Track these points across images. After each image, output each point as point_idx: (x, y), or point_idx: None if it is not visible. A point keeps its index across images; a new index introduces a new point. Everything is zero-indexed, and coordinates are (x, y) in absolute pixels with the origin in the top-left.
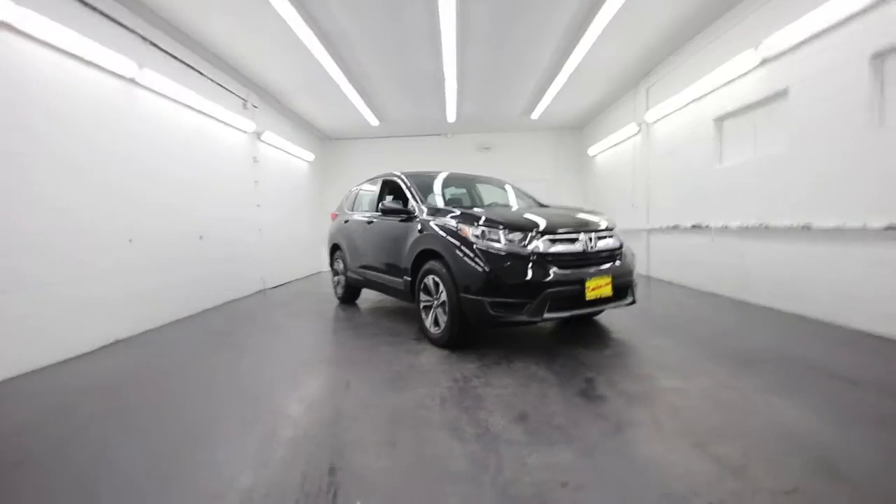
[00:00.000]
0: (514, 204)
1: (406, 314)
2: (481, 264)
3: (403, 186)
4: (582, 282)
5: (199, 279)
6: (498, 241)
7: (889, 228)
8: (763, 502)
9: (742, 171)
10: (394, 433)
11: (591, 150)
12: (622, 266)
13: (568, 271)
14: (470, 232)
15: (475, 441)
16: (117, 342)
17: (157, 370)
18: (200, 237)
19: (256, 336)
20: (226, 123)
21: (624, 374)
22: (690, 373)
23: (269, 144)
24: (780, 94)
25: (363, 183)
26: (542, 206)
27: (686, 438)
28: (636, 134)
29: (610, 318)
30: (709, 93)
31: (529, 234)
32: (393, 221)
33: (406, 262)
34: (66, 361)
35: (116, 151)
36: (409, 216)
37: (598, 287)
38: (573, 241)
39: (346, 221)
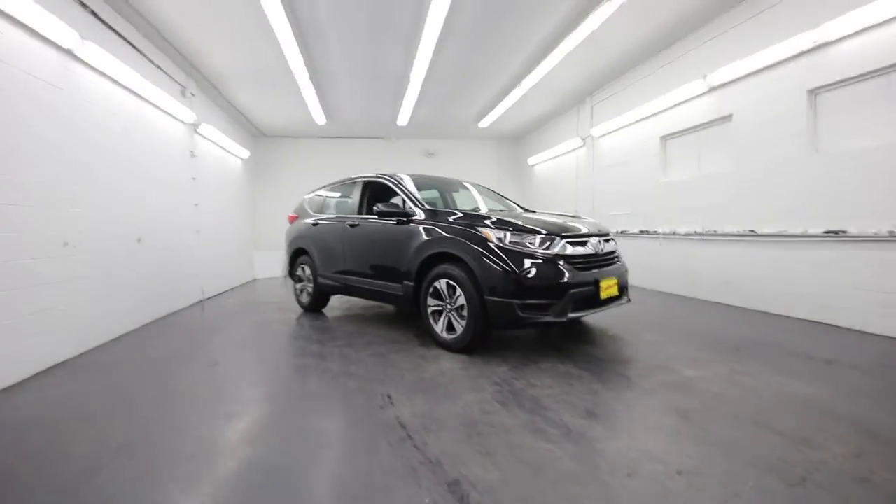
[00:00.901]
0: (503, 208)
1: (388, 319)
2: (511, 267)
3: (397, 188)
4: (597, 282)
5: (137, 288)
6: (524, 244)
7: (827, 233)
8: (843, 465)
9: (687, 185)
10: (481, 443)
11: (531, 160)
12: (621, 267)
13: (585, 273)
14: (494, 235)
15: (566, 440)
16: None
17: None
18: (139, 240)
19: (236, 354)
20: (165, 112)
21: (648, 368)
22: (700, 363)
23: (206, 138)
24: (726, 119)
25: (332, 184)
26: (527, 210)
27: (744, 419)
28: (581, 147)
29: (589, 318)
30: (656, 113)
31: (553, 238)
32: (387, 224)
33: (409, 266)
34: None
35: (52, 139)
36: (407, 219)
37: (609, 287)
38: (585, 244)
39: (314, 224)
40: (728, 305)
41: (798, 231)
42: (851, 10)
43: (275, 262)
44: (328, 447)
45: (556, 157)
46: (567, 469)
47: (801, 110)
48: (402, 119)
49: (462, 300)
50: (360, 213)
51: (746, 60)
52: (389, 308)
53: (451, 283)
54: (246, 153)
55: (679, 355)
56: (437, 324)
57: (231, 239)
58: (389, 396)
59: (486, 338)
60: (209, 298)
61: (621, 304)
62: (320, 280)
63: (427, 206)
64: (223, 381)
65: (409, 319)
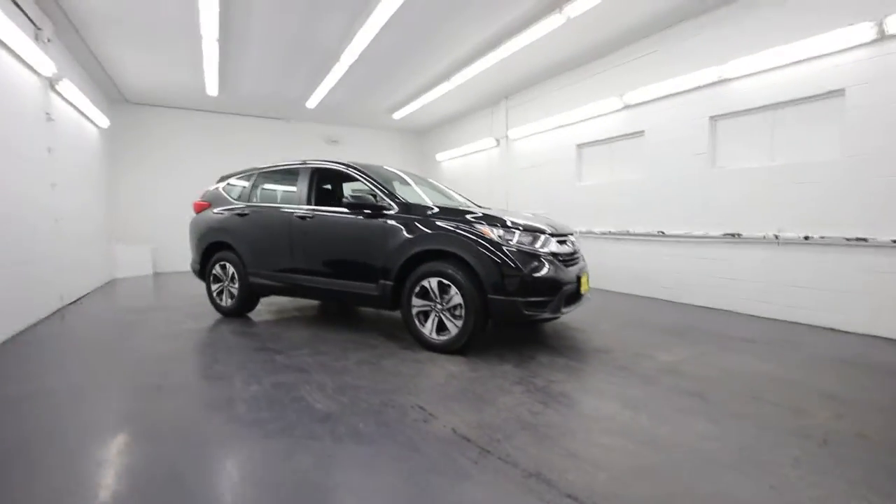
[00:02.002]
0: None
1: (335, 320)
2: (517, 265)
3: (364, 179)
4: (579, 279)
5: None
6: (525, 242)
7: (725, 235)
8: (838, 426)
9: (601, 189)
10: (561, 445)
11: (440, 156)
12: (585, 264)
13: (569, 270)
14: (494, 233)
15: (631, 434)
16: None
17: None
18: None
19: (184, 380)
20: (15, 55)
21: (631, 356)
22: (666, 348)
23: (65, 99)
24: (639, 134)
25: (265, 169)
26: (480, 207)
27: (741, 395)
28: (495, 147)
29: None
30: (574, 123)
31: (544, 236)
32: (353, 218)
33: (387, 263)
34: None
35: None
36: (380, 213)
37: (585, 282)
38: (565, 242)
39: (240, 214)
40: (640, 296)
41: (700, 233)
42: (745, 56)
43: (142, 258)
44: (416, 481)
45: (467, 154)
46: (659, 462)
47: (704, 133)
48: (313, 101)
49: (457, 299)
50: (309, 203)
51: (660, 85)
52: (329, 307)
53: (444, 281)
54: (105, 121)
55: (642, 342)
56: (423, 325)
57: (93, 229)
58: (423, 408)
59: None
60: (71, 304)
61: (588, 299)
62: (253, 280)
63: (402, 200)
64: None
65: (357, 318)
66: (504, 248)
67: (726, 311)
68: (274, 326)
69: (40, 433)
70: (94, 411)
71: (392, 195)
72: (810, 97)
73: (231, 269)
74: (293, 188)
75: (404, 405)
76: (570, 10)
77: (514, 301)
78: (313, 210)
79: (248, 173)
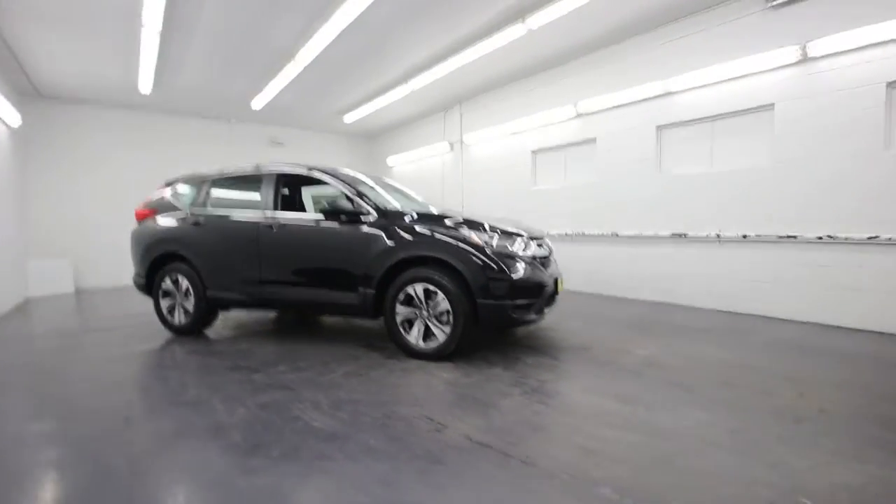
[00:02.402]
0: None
1: (302, 332)
2: (503, 268)
3: (338, 184)
4: (556, 280)
5: None
6: (508, 246)
7: (673, 235)
8: (800, 404)
9: (555, 194)
10: (584, 446)
11: (391, 161)
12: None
13: (547, 271)
14: (481, 238)
15: (635, 426)
16: None
17: None
18: None
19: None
20: None
21: (610, 351)
22: (637, 342)
23: None
24: (591, 141)
25: (221, 173)
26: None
27: (714, 381)
28: (449, 152)
29: None
30: (529, 129)
31: (524, 239)
32: (329, 225)
33: (367, 271)
34: None
35: None
36: (357, 219)
37: (560, 284)
38: (542, 245)
39: (195, 223)
40: (595, 294)
41: (650, 233)
42: (688, 72)
43: (61, 274)
44: (450, 493)
45: (421, 159)
46: (671, 450)
47: (651, 141)
48: (260, 102)
49: (444, 305)
50: (275, 210)
51: (612, 96)
52: (288, 320)
53: (430, 287)
54: (16, 119)
55: (614, 337)
56: (409, 333)
57: (1, 242)
58: (430, 418)
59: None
60: None
61: (558, 300)
62: (211, 294)
63: (380, 205)
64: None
65: (326, 329)
66: (489, 251)
67: (676, 304)
68: (239, 343)
69: None
70: (59, 458)
71: (369, 200)
72: (745, 110)
73: (185, 283)
74: (256, 194)
75: (409, 416)
76: (533, 22)
77: (503, 304)
78: (282, 217)
79: (200, 178)
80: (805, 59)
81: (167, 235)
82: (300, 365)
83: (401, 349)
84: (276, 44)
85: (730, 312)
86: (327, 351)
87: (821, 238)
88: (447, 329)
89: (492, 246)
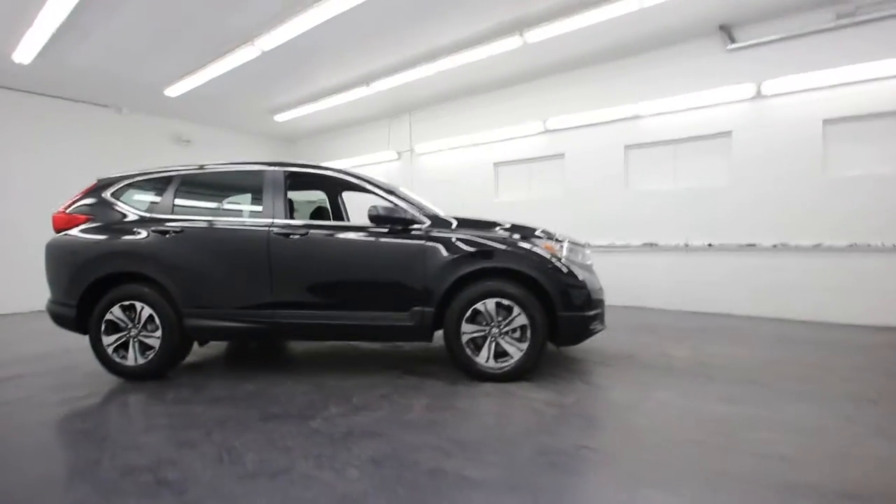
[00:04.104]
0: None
1: (301, 361)
2: (580, 279)
3: (373, 187)
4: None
5: None
6: (578, 255)
7: (645, 245)
8: (854, 388)
9: (519, 206)
10: (758, 449)
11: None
12: None
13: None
14: (556, 248)
15: (778, 416)
16: None
17: None
18: None
19: None
20: None
21: (655, 356)
22: (661, 346)
23: None
24: (559, 156)
25: (202, 169)
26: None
27: (773, 376)
28: (395, 160)
29: None
30: (492, 142)
31: (583, 248)
32: (370, 235)
33: (426, 286)
34: None
35: None
36: (409, 228)
37: None
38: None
39: (164, 233)
40: None
41: (622, 243)
42: (655, 99)
43: None
44: None
45: (361, 165)
46: (839, 443)
47: (620, 158)
48: (178, 89)
49: (521, 320)
50: (286, 217)
51: (582, 115)
52: (247, 350)
53: (504, 302)
54: None
55: (636, 342)
56: (478, 354)
57: None
58: (587, 447)
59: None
60: None
61: None
62: (192, 322)
63: (432, 212)
64: None
65: (305, 356)
66: (563, 261)
67: (647, 308)
68: (224, 382)
69: None
70: None
71: (419, 206)
72: (706, 135)
73: (146, 311)
74: (252, 197)
75: (563, 448)
76: (530, 37)
77: (584, 316)
78: (304, 225)
79: (162, 176)
80: (759, 95)
81: (119, 249)
82: (355, 403)
83: (466, 372)
84: (231, 20)
85: (698, 313)
86: (364, 383)
87: (775, 246)
88: (523, 346)
89: (564, 255)
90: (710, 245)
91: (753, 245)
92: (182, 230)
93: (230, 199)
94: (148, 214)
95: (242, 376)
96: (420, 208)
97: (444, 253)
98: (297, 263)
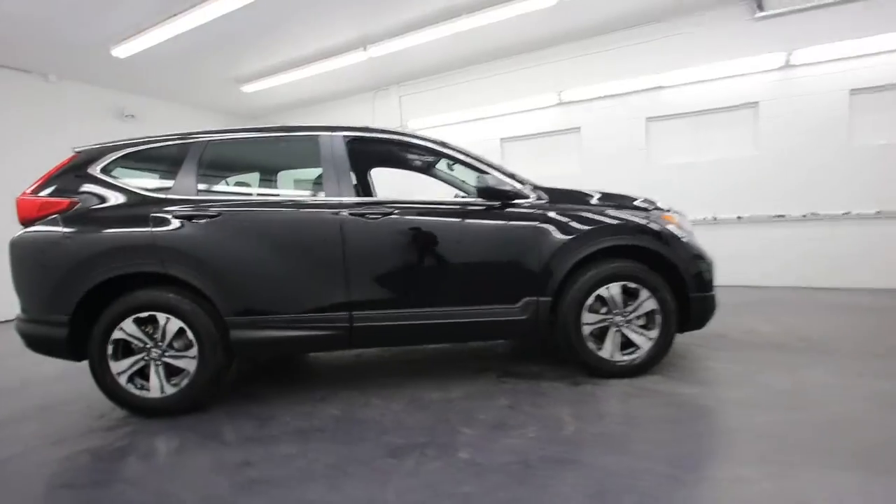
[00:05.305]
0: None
1: (373, 368)
2: (708, 256)
3: (459, 155)
4: None
5: None
6: (690, 229)
7: None
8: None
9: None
10: None
11: None
12: None
13: None
14: (677, 219)
15: None
16: None
17: None
18: None
19: None
20: None
21: (747, 334)
22: (745, 319)
23: None
24: (574, 130)
25: (235, 134)
26: None
27: (859, 345)
28: None
29: None
30: (497, 116)
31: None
32: (471, 214)
33: (547, 271)
34: None
35: None
36: (512, 204)
37: None
38: None
39: (207, 218)
40: None
41: None
42: (680, 69)
43: None
44: None
45: None
46: None
47: (641, 131)
48: (130, 48)
49: (649, 305)
50: (359, 194)
51: (600, 86)
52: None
53: (630, 285)
54: None
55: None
56: (602, 346)
57: None
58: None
59: None
60: None
61: None
62: (240, 335)
63: (532, 183)
64: None
65: (396, 358)
66: (688, 236)
67: None
68: (289, 405)
69: None
70: None
71: (519, 177)
72: (732, 106)
73: (173, 324)
74: (302, 171)
75: (831, 448)
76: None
77: (712, 296)
78: (386, 202)
79: (173, 144)
80: (787, 65)
81: (129, 242)
82: (486, 420)
83: (586, 367)
84: None
85: (729, 286)
86: (471, 392)
87: (804, 216)
88: (651, 335)
89: (684, 229)
90: (739, 218)
91: (783, 216)
92: (219, 214)
93: (271, 173)
94: (162, 195)
95: (297, 395)
96: (521, 180)
97: (560, 231)
98: (381, 251)
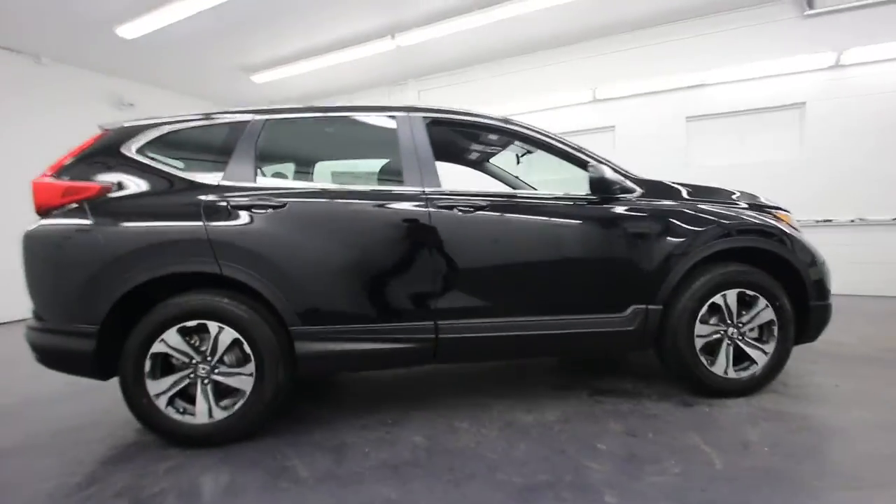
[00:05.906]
0: None
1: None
2: (822, 258)
3: (564, 146)
4: None
5: None
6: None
7: None
8: None
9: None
10: None
11: None
12: None
13: None
14: (791, 219)
15: None
16: None
17: None
18: None
19: None
20: None
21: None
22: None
23: None
24: (609, 129)
25: (309, 112)
26: None
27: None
28: None
29: None
30: (525, 113)
31: None
32: (574, 210)
33: (659, 276)
34: None
35: None
36: (616, 200)
37: None
38: None
39: (271, 209)
40: None
41: None
42: (723, 67)
43: None
44: None
45: None
46: None
47: (681, 131)
48: (135, 29)
49: (767, 315)
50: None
51: (637, 83)
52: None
53: (748, 293)
54: None
55: None
56: (715, 361)
57: None
58: None
59: None
60: None
61: None
62: (307, 348)
63: (639, 177)
64: None
65: (443, 371)
66: (802, 238)
67: None
68: (357, 431)
69: None
70: None
71: (621, 169)
72: (777, 107)
73: (226, 335)
74: (375, 157)
75: None
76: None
77: (831, 305)
78: (479, 195)
79: (226, 122)
80: (837, 64)
81: (176, 236)
82: (613, 452)
83: (695, 385)
84: None
85: None
86: (569, 415)
87: (853, 221)
88: (767, 348)
89: (795, 228)
90: None
91: (830, 220)
92: (284, 204)
93: (341, 159)
94: (213, 181)
95: (360, 417)
96: (624, 173)
97: (674, 229)
98: (477, 250)
